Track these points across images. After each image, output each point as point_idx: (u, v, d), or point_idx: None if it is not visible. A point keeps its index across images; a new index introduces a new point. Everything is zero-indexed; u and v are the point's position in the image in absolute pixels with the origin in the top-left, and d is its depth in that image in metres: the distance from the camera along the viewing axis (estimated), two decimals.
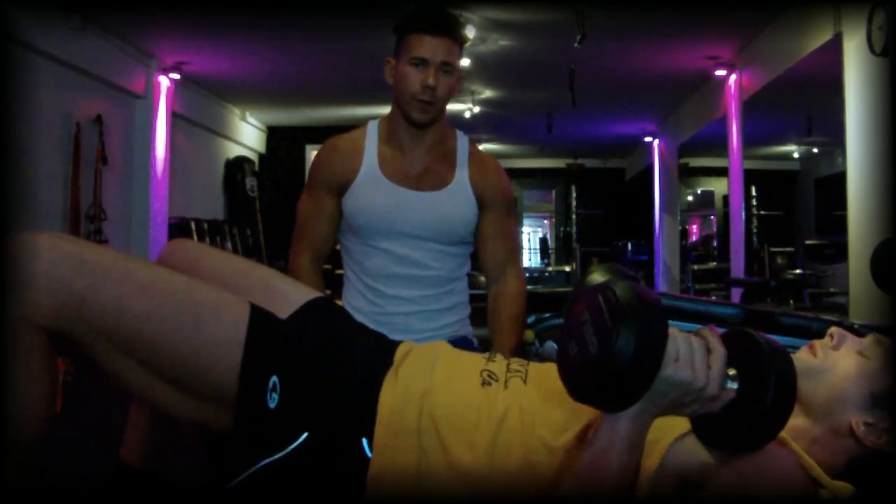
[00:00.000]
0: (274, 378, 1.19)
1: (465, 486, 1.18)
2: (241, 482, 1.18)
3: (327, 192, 1.91)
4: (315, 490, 1.20)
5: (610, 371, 0.95)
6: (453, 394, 1.25)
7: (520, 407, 1.24)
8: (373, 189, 1.87)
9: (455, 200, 1.91)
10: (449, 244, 1.93)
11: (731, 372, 1.05)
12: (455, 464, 1.19)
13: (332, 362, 1.28)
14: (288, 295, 1.38)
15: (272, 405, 1.18)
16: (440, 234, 1.90)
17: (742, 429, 1.05)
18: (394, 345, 1.39)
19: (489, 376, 1.30)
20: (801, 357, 1.25)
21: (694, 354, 1.01)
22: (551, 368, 1.32)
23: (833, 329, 1.29)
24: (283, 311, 1.34)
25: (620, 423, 1.02)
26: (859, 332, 1.40)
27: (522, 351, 1.95)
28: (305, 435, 1.18)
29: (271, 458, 1.17)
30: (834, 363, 1.23)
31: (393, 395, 1.24)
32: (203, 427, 1.24)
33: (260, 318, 1.22)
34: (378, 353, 1.35)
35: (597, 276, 1.44)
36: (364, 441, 1.20)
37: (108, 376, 1.17)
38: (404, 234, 1.87)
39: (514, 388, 1.28)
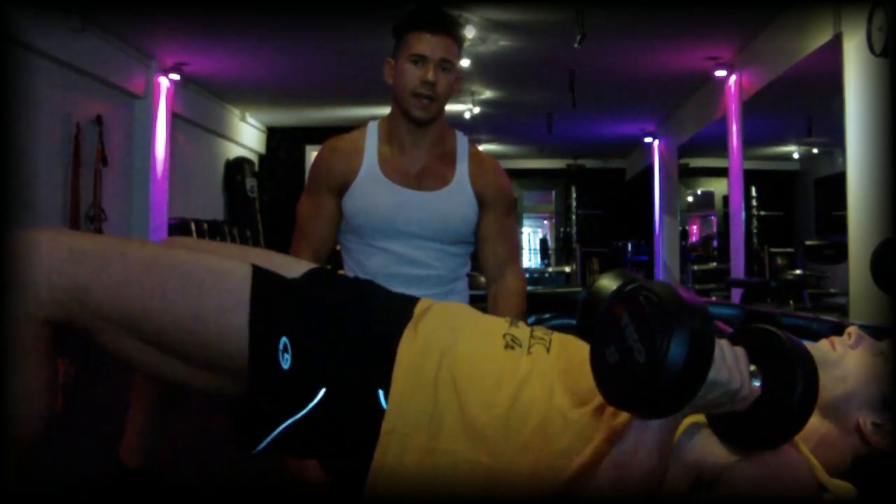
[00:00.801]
0: (284, 339, 1.17)
1: (478, 446, 1.17)
2: (265, 448, 1.18)
3: (327, 192, 1.91)
4: (333, 445, 1.20)
5: (660, 380, 0.91)
6: (475, 352, 1.24)
7: (541, 374, 1.23)
8: (373, 189, 1.87)
9: (455, 200, 1.91)
10: (450, 243, 1.93)
11: (752, 368, 1.05)
12: (469, 422, 1.18)
13: (345, 317, 1.26)
14: (288, 268, 1.37)
15: (286, 366, 1.16)
16: (441, 233, 1.90)
17: (764, 426, 1.04)
18: (412, 300, 1.37)
19: (512, 340, 1.29)
20: (822, 347, 1.26)
21: (726, 355, 1.01)
22: (574, 340, 1.31)
23: (851, 328, 1.29)
24: None
25: (651, 426, 1.01)
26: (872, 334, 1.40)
27: None
28: (323, 391, 1.17)
29: (293, 419, 1.16)
30: (850, 360, 1.24)
31: (411, 347, 1.23)
32: (222, 397, 1.22)
33: (263, 279, 1.20)
34: (396, 306, 1.34)
35: (606, 282, 1.43)
36: (380, 392, 1.19)
37: (120, 360, 1.16)
38: (405, 233, 1.88)
39: (536, 354, 1.27)
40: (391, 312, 1.31)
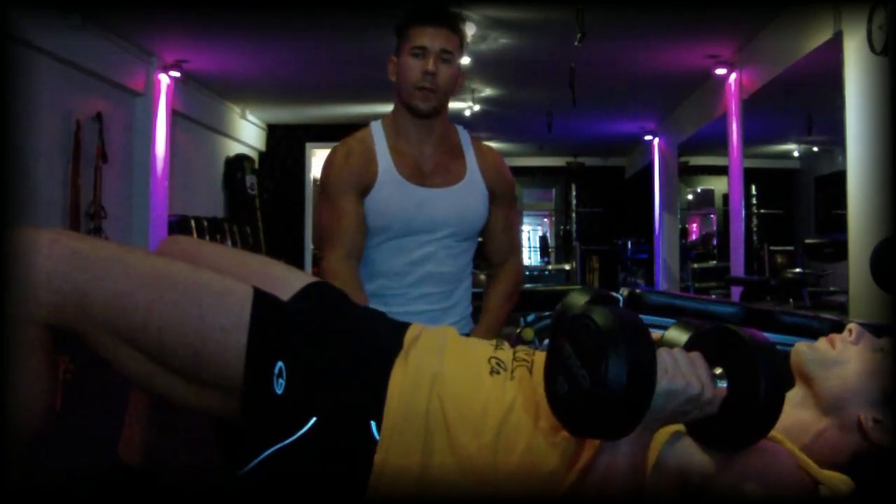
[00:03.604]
0: (280, 363, 1.18)
1: (468, 474, 1.18)
2: (251, 470, 1.18)
3: (351, 196, 1.89)
4: (323, 474, 1.20)
5: (608, 402, 0.93)
6: (462, 379, 1.25)
7: (525, 398, 1.23)
8: (392, 190, 1.89)
9: (471, 193, 1.95)
10: (463, 239, 1.96)
11: (718, 371, 1.06)
12: (460, 450, 1.18)
13: (339, 345, 1.27)
14: (286, 280, 1.37)
15: (279, 391, 1.17)
16: (458, 228, 1.93)
17: (738, 425, 1.05)
18: (403, 327, 1.38)
19: (497, 364, 1.29)
20: (819, 347, 1.27)
21: (680, 363, 1.01)
22: None
23: (852, 325, 1.29)
24: (282, 296, 1.32)
25: (621, 447, 1.02)
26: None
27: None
28: (314, 420, 1.17)
29: (280, 445, 1.17)
30: (850, 357, 1.24)
31: (403, 378, 1.23)
32: (213, 415, 1.23)
33: (263, 302, 1.21)
34: (387, 335, 1.34)
35: (577, 299, 1.44)
36: (372, 424, 1.19)
37: (114, 369, 1.17)
38: (423, 230, 1.90)
39: (520, 378, 1.27)
40: (383, 342, 1.31)
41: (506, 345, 1.38)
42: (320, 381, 1.21)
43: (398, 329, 1.37)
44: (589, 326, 0.98)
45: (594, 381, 0.94)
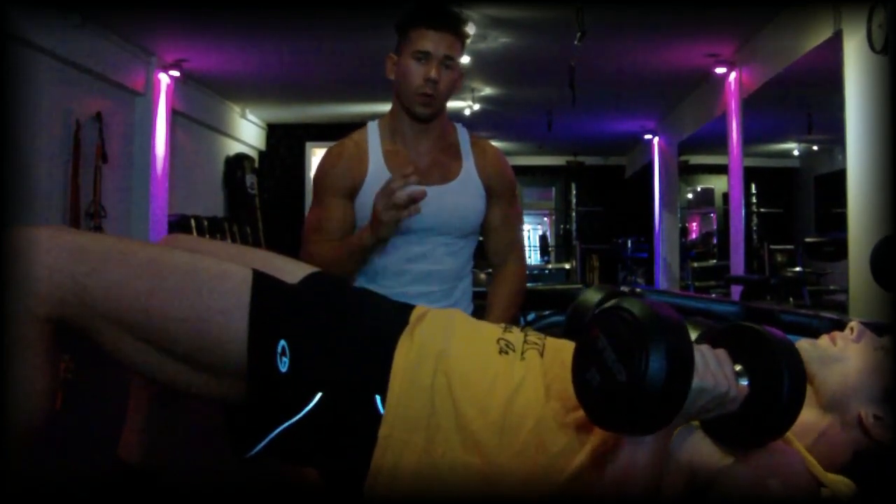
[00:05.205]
0: (283, 342, 1.18)
1: (472, 451, 1.18)
2: (259, 452, 1.19)
3: (339, 197, 1.90)
4: (329, 450, 1.20)
5: (644, 398, 0.91)
6: (470, 357, 1.25)
7: (535, 379, 1.23)
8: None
9: (466, 191, 1.93)
10: (460, 237, 1.95)
11: (738, 368, 1.05)
12: (465, 427, 1.18)
13: (343, 322, 1.27)
14: (287, 271, 1.38)
15: (283, 369, 1.17)
16: (452, 225, 1.92)
17: (757, 424, 1.04)
18: (409, 306, 1.38)
19: (506, 345, 1.29)
20: (821, 344, 1.27)
21: (709, 360, 1.00)
22: (568, 345, 1.32)
23: (854, 323, 1.30)
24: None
25: (644, 440, 1.01)
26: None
27: None
28: (320, 395, 1.18)
29: (288, 423, 1.17)
30: (852, 354, 1.24)
31: (408, 353, 1.24)
32: (219, 401, 1.23)
33: (263, 282, 1.21)
34: (392, 313, 1.35)
35: (590, 296, 1.44)
36: (377, 398, 1.20)
37: (118, 362, 1.17)
38: (417, 229, 1.88)
39: (530, 359, 1.27)
40: (388, 319, 1.32)
41: (514, 329, 1.37)
42: (324, 356, 1.21)
43: (404, 308, 1.38)
44: (626, 319, 0.95)
45: (631, 376, 0.92)
